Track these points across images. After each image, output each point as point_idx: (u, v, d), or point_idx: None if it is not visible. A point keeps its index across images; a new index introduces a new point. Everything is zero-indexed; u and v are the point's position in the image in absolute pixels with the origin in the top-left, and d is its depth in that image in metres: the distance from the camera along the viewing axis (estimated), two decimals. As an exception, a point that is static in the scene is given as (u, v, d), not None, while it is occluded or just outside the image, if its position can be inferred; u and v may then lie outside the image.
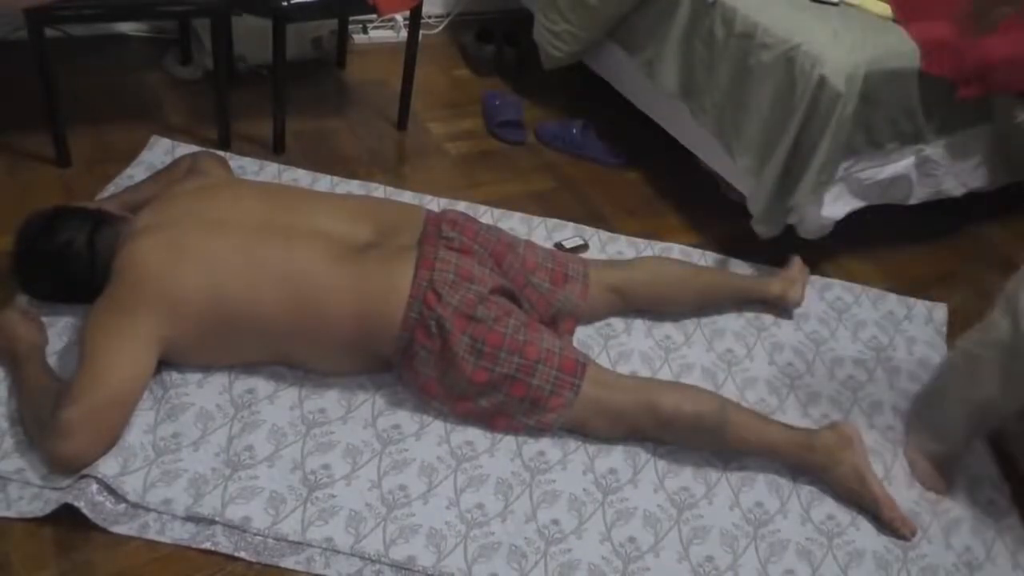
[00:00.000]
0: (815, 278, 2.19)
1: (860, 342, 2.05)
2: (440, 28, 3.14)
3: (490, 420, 1.62)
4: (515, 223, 2.21)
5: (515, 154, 2.56)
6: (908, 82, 2.02)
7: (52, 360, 1.58)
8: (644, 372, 1.83)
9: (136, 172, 2.11)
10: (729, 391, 1.82)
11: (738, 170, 2.14)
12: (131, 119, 2.33)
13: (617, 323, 1.94)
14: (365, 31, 2.99)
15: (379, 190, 2.24)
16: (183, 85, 2.54)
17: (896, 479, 1.71)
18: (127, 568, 1.33)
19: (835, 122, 1.91)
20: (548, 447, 1.62)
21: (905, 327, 2.12)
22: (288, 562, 1.37)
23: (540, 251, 1.84)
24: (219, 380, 1.61)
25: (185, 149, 2.20)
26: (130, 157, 2.17)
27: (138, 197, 1.80)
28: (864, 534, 1.59)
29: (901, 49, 1.99)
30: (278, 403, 1.60)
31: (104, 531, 1.35)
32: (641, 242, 2.23)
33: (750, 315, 2.05)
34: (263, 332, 1.55)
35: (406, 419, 1.62)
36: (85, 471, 1.37)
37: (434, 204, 2.21)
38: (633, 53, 2.43)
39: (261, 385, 1.62)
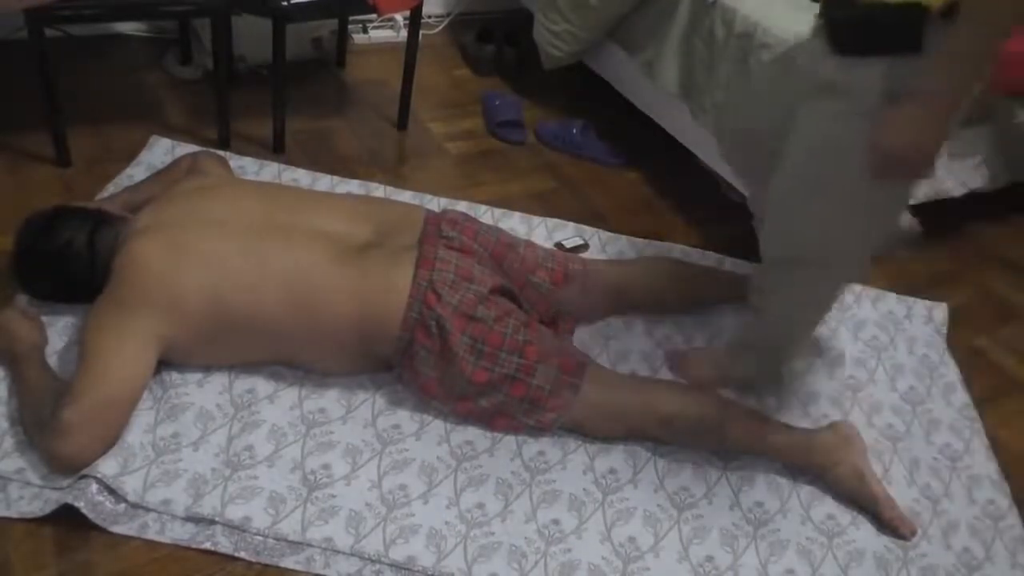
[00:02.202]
0: (815, 278, 2.19)
1: (860, 342, 2.05)
2: (440, 28, 3.15)
3: (490, 420, 1.62)
4: (515, 223, 2.21)
5: (515, 154, 2.56)
6: (908, 82, 2.01)
7: (52, 360, 1.58)
8: (644, 372, 1.83)
9: (136, 172, 2.11)
10: (729, 391, 1.82)
11: (738, 170, 2.14)
12: (131, 119, 2.33)
13: (617, 323, 1.94)
14: (365, 31, 2.99)
15: (379, 190, 2.24)
16: (183, 85, 2.54)
17: (896, 479, 1.71)
18: (127, 568, 1.33)
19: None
20: (548, 447, 1.62)
21: (905, 327, 2.12)
22: (288, 562, 1.37)
23: (540, 251, 1.84)
24: (219, 380, 1.61)
25: (185, 149, 2.20)
26: (130, 157, 2.17)
27: (138, 197, 1.80)
28: (864, 534, 1.59)
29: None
30: (278, 403, 1.60)
31: (104, 531, 1.35)
32: (641, 242, 2.23)
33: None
34: (263, 332, 1.55)
35: (406, 419, 1.62)
36: (85, 471, 1.37)
37: (434, 204, 2.21)
38: (633, 53, 2.43)
39: (261, 385, 1.62)
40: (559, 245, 2.14)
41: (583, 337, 1.88)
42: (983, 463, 1.79)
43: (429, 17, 3.11)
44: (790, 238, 1.58)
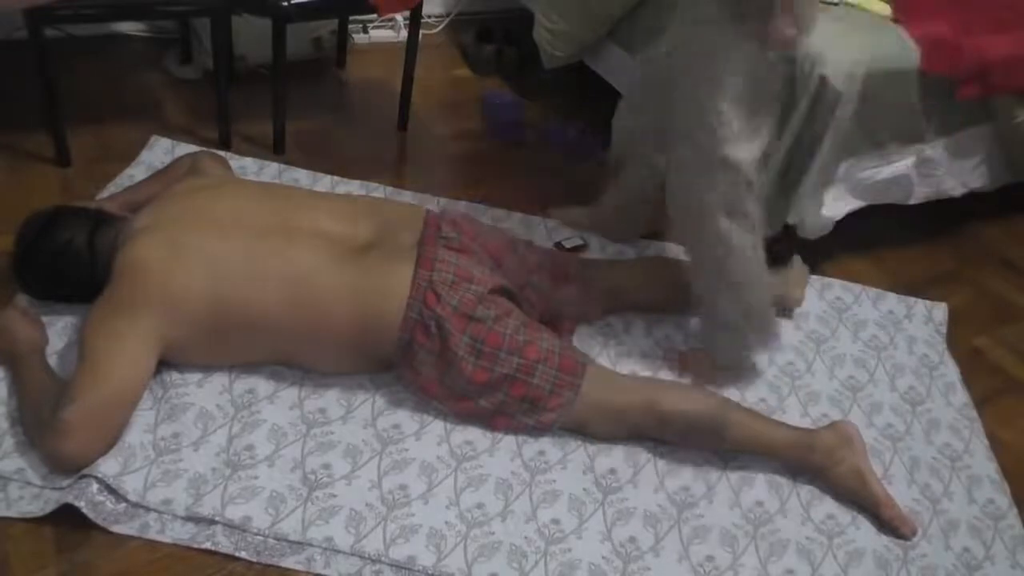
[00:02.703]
0: (815, 278, 2.19)
1: (860, 342, 2.05)
2: (440, 28, 3.15)
3: (490, 420, 1.62)
4: (515, 223, 2.21)
5: (515, 154, 2.56)
6: (908, 82, 2.01)
7: (52, 360, 1.58)
8: (644, 372, 1.83)
9: (136, 172, 2.11)
10: (729, 391, 1.82)
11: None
12: (131, 119, 2.33)
13: (617, 323, 1.94)
14: (365, 31, 2.99)
15: (379, 190, 2.24)
16: (183, 85, 2.54)
17: (896, 479, 1.71)
18: (127, 568, 1.33)
19: (835, 122, 1.91)
20: (548, 447, 1.62)
21: (905, 327, 2.13)
22: (288, 562, 1.37)
23: (540, 251, 1.84)
24: (219, 380, 1.61)
25: (185, 149, 2.20)
26: (130, 157, 2.17)
27: (138, 197, 1.80)
28: (864, 534, 1.59)
29: (901, 49, 1.99)
30: (278, 403, 1.60)
31: (104, 531, 1.35)
32: (641, 242, 2.23)
33: (750, 315, 2.05)
34: (263, 332, 1.55)
35: (406, 419, 1.62)
36: (85, 471, 1.37)
37: (434, 204, 2.21)
38: (633, 53, 2.42)
39: (261, 385, 1.62)
40: (559, 245, 2.14)
41: (583, 337, 1.88)
42: (983, 463, 1.80)
43: (429, 17, 3.11)
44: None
